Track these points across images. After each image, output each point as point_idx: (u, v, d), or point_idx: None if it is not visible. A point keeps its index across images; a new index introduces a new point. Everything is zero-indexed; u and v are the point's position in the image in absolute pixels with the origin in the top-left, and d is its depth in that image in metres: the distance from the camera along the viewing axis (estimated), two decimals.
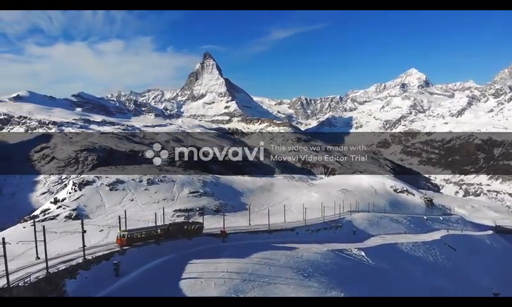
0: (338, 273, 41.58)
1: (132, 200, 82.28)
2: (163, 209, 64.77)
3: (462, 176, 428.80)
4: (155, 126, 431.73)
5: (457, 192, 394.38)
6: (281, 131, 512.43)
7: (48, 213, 74.42)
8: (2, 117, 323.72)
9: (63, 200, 79.90)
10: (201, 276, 34.81)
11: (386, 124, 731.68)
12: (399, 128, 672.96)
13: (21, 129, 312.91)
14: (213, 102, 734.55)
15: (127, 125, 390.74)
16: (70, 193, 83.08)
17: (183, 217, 73.25)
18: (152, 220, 65.61)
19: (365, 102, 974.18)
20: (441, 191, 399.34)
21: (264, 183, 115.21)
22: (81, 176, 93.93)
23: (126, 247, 39.82)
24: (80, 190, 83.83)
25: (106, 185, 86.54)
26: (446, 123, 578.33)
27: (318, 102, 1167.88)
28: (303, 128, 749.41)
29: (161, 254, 40.03)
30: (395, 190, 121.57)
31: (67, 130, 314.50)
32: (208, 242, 46.76)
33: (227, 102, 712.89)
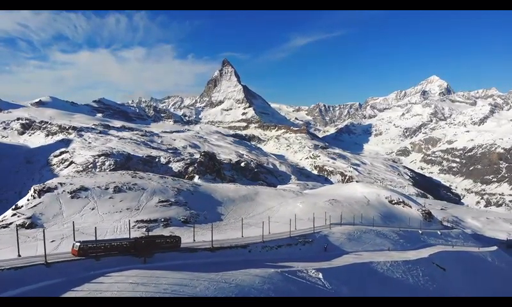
0: None
1: (93, 209, 76.01)
2: (128, 219, 61.68)
3: (484, 186, 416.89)
4: (173, 132, 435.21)
5: (478, 202, 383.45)
6: (298, 138, 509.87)
7: (2, 221, 71.34)
8: (24, 122, 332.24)
9: (20, 207, 77.04)
10: None
11: (406, 132, 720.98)
12: (420, 136, 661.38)
13: (42, 134, 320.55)
14: (231, 109, 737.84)
15: (146, 131, 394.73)
16: (28, 200, 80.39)
17: (144, 229, 66.73)
18: (109, 231, 62.72)
19: (385, 109, 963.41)
20: (462, 201, 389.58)
21: (247, 192, 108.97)
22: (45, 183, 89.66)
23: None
24: (40, 197, 79.97)
25: (68, 192, 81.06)
26: (468, 131, 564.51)
27: (337, 108, 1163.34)
28: (321, 135, 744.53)
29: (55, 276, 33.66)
30: (391, 202, 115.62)
31: (86, 135, 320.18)
32: (125, 262, 38.60)
33: (244, 108, 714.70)
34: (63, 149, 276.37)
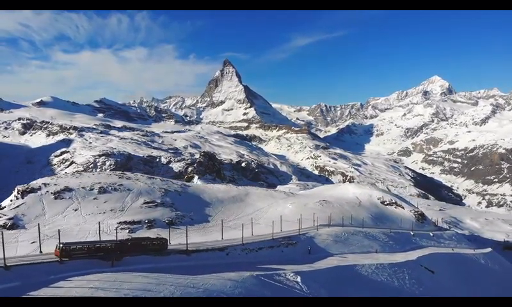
0: None
1: (76, 210, 75.28)
2: (111, 221, 60.27)
3: (485, 186, 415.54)
4: (174, 132, 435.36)
5: (479, 203, 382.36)
6: (299, 138, 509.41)
7: None
8: (25, 122, 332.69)
9: (3, 208, 76.20)
10: None
11: (407, 132, 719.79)
12: (421, 137, 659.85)
13: (43, 134, 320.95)
14: (232, 109, 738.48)
15: (147, 131, 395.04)
16: (11, 201, 79.65)
17: (127, 231, 65.92)
18: (92, 233, 61.69)
19: (387, 109, 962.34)
20: (463, 201, 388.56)
21: (237, 192, 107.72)
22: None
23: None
24: (23, 198, 77.42)
25: (51, 193, 79.95)
26: (469, 132, 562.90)
27: (338, 109, 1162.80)
28: (322, 135, 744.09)
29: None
30: (383, 202, 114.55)
31: (87, 135, 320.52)
32: (91, 266, 36.95)
33: (246, 108, 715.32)
34: (63, 150, 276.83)
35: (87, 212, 75.95)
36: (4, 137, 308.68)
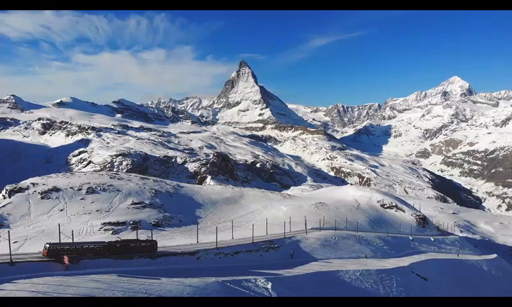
0: None
1: (61, 210, 74.80)
2: (95, 222, 59.92)
3: (505, 189, 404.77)
4: (190, 132, 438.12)
5: (499, 206, 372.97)
6: (315, 139, 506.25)
7: None
8: (45, 122, 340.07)
9: None
10: None
11: (426, 133, 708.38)
12: (440, 138, 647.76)
13: (62, 134, 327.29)
14: (247, 110, 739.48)
15: (163, 131, 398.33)
16: None
17: (111, 232, 64.52)
18: (75, 233, 61.99)
19: (405, 110, 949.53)
20: (482, 204, 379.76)
21: (232, 194, 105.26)
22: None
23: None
24: (10, 197, 77.50)
25: (39, 192, 79.50)
26: (489, 133, 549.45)
27: (355, 109, 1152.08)
28: (339, 136, 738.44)
29: None
30: (383, 206, 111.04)
31: (105, 135, 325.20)
32: (43, 268, 35.29)
33: (261, 109, 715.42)
34: (81, 149, 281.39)
35: (72, 212, 75.59)
36: (25, 136, 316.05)
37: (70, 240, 42.21)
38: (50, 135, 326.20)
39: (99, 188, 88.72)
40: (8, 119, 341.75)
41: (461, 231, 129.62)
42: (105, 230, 66.58)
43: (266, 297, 36.03)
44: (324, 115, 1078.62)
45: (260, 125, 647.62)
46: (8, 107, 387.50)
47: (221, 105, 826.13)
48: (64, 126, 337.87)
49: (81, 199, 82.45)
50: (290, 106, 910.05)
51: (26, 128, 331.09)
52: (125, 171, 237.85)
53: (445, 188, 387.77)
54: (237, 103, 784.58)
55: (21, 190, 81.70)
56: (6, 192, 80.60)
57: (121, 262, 40.88)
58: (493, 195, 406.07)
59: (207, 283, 36.46)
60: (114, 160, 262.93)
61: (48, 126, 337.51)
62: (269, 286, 40.15)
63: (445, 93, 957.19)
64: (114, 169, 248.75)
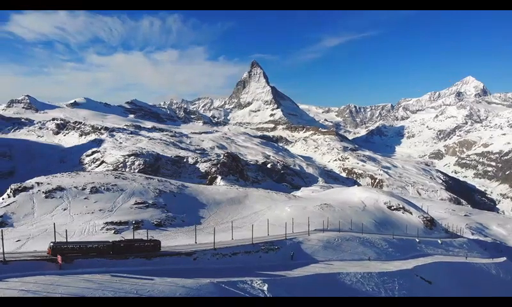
0: None
1: (65, 209, 75.23)
2: (98, 221, 60.59)
3: None
4: (202, 133, 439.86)
5: None
6: (327, 140, 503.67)
7: None
8: (59, 122, 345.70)
9: None
10: None
11: (440, 134, 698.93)
12: (454, 139, 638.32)
13: (76, 134, 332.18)
14: (259, 110, 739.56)
15: (175, 132, 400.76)
16: (3, 199, 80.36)
17: (113, 231, 65.15)
18: (77, 233, 61.68)
19: (418, 110, 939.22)
20: (497, 206, 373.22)
21: (236, 194, 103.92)
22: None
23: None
24: (14, 196, 78.05)
25: (43, 192, 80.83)
26: (504, 134, 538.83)
27: (368, 110, 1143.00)
28: (351, 136, 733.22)
29: None
30: (389, 207, 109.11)
31: (118, 135, 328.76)
32: (37, 267, 34.94)
33: (272, 109, 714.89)
34: (94, 149, 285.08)
35: (76, 211, 76.04)
36: (39, 136, 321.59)
37: (65, 240, 42.56)
38: (64, 135, 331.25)
39: (103, 188, 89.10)
40: (23, 120, 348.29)
41: (472, 234, 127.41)
42: (107, 230, 67.09)
43: (258, 297, 35.46)
44: (336, 115, 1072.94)
45: (272, 125, 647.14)
46: (23, 108, 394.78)
47: (232, 106, 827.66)
48: (78, 126, 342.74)
49: (85, 198, 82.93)
50: (301, 106, 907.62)
51: (40, 128, 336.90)
52: (137, 171, 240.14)
53: (459, 190, 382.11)
54: (249, 103, 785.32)
55: (25, 189, 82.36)
56: (10, 191, 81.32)
57: (116, 262, 40.65)
58: (508, 197, 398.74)
59: (201, 283, 36.10)
60: (127, 160, 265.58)
61: (62, 127, 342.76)
62: (265, 287, 39.69)
63: (459, 94, 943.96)
64: (127, 169, 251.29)
